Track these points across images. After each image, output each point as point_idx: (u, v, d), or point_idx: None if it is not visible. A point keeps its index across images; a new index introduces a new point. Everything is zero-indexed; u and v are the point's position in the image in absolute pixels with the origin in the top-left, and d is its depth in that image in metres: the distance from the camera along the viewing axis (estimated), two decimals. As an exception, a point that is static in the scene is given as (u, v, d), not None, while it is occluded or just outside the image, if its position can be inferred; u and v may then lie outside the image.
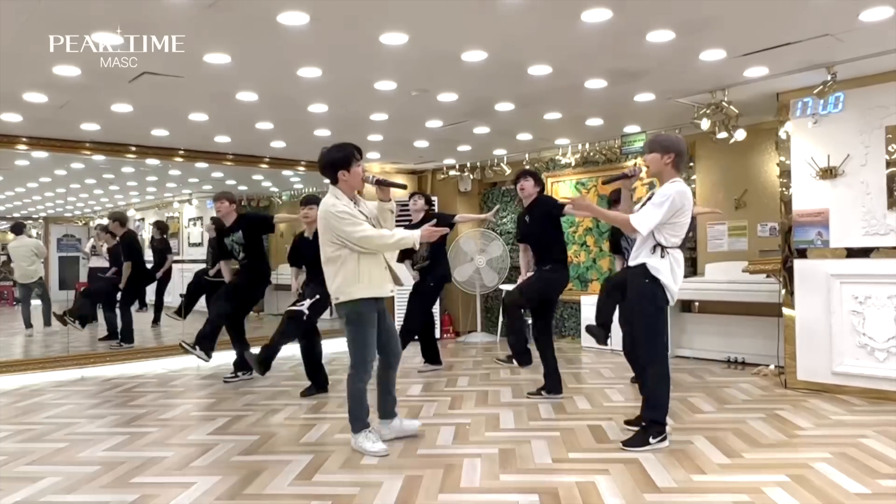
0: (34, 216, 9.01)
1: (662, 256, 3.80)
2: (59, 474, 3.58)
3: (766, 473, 3.38)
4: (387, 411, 4.14)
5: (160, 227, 8.82)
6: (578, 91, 5.39)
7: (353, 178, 3.89)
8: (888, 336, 4.88)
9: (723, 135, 5.68)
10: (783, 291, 5.48)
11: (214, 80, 4.80)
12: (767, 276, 5.87)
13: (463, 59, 4.49)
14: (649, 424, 3.86)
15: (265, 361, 5.42)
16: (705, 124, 5.60)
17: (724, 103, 5.47)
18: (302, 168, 8.70)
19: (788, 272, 5.39)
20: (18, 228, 8.09)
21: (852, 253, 5.07)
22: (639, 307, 3.91)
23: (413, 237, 3.87)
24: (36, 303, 8.07)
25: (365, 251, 3.82)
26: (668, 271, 3.81)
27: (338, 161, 3.86)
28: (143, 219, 9.57)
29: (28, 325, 7.84)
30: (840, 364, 5.10)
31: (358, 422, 3.94)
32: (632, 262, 3.95)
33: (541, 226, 5.15)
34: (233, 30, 3.91)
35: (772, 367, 5.92)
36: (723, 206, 6.95)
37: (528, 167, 7.08)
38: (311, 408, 5.05)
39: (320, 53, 4.38)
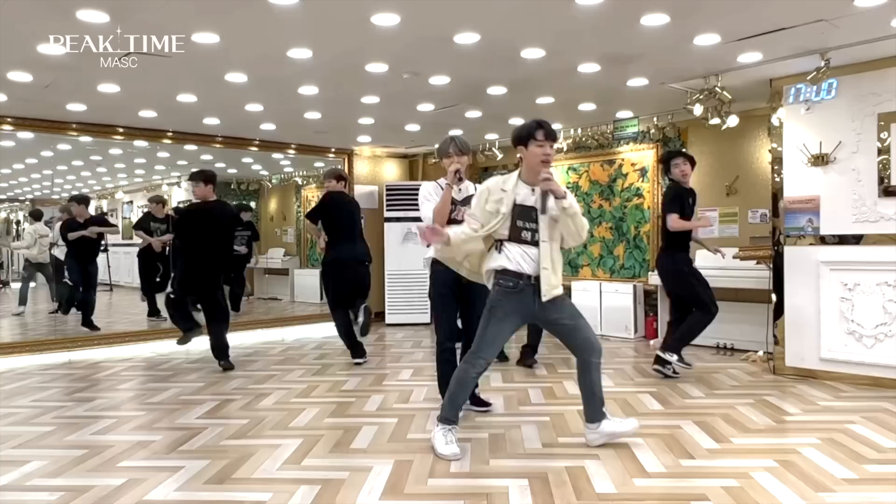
0: (21, 198, 8.91)
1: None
2: (45, 458, 3.55)
3: (754, 458, 3.40)
4: (591, 414, 3.61)
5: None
6: (571, 75, 5.35)
7: (530, 157, 3.34)
8: (876, 323, 4.90)
9: (715, 121, 5.67)
10: (773, 278, 5.49)
11: (203, 60, 4.73)
12: (758, 263, 5.88)
13: (455, 41, 4.44)
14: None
15: None
16: (698, 110, 5.60)
17: (717, 89, 5.45)
18: (292, 151, 8.63)
19: (778, 259, 5.41)
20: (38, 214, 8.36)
21: (842, 240, 5.09)
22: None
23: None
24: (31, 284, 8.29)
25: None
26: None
27: (517, 136, 3.41)
28: (131, 201, 9.50)
29: (23, 302, 7.95)
30: (828, 350, 5.12)
31: (444, 409, 3.61)
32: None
33: None
34: (221, 8, 3.84)
35: (761, 353, 5.95)
36: (714, 192, 6.95)
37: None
38: (301, 392, 5.03)
39: (311, 34, 4.32)
